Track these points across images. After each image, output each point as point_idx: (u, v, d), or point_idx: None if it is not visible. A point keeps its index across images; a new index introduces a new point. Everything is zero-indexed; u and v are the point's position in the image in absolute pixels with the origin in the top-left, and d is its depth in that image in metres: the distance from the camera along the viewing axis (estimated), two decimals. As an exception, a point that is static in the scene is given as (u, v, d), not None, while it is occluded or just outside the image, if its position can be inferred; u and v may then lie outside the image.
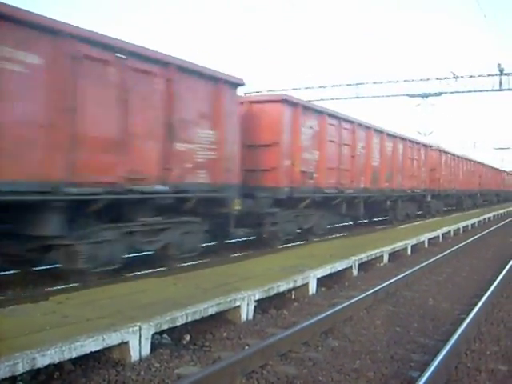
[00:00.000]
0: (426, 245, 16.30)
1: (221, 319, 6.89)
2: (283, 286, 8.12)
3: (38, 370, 4.74)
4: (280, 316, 7.49)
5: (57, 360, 4.71)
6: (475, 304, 7.77)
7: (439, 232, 18.30)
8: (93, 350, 5.02)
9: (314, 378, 5.22)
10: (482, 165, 43.70)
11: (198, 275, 8.73)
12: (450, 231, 19.81)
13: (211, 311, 6.59)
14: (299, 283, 8.58)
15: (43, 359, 4.58)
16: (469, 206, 36.65)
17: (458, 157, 34.04)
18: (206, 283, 7.93)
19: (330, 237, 15.94)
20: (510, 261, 12.24)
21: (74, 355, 4.85)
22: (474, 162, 40.33)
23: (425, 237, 16.45)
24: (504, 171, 59.68)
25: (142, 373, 5.13)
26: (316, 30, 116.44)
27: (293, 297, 8.58)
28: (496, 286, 9.22)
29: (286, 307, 7.97)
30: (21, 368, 4.40)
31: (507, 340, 6.65)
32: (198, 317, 6.36)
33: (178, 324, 6.09)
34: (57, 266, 8.90)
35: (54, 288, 8.08)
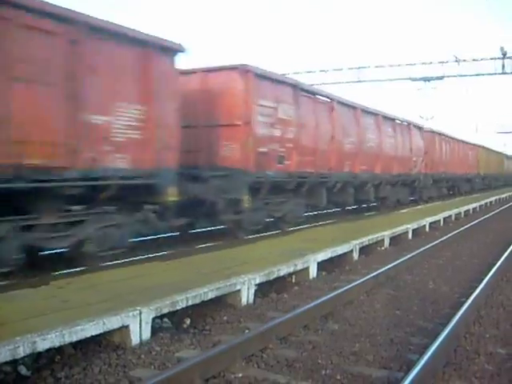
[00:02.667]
0: (427, 229, 16.31)
1: (221, 303, 6.92)
2: (283, 270, 8.13)
3: (39, 353, 4.78)
4: (280, 300, 7.52)
5: (57, 344, 4.74)
6: (475, 288, 7.79)
7: (440, 216, 18.30)
8: (93, 333, 5.05)
9: (314, 361, 5.24)
10: (482, 148, 41.94)
11: (198, 260, 8.76)
12: (451, 215, 19.81)
13: (211, 295, 6.61)
14: (300, 267, 8.60)
15: (44, 343, 4.60)
16: (466, 191, 35.51)
17: (454, 139, 32.50)
18: (207, 267, 7.96)
19: (330, 221, 15.95)
20: (510, 245, 12.25)
21: (74, 339, 4.88)
22: (473, 145, 38.90)
23: (426, 221, 16.46)
24: (505, 155, 57.65)
25: (143, 356, 5.17)
26: (318, 14, 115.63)
27: (293, 281, 8.61)
28: (496, 270, 9.23)
29: (286, 291, 8.00)
30: (22, 352, 4.42)
31: (506, 323, 6.67)
32: (198, 301, 6.38)
33: (179, 308, 6.11)
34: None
35: (57, 273, 7.87)
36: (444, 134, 30.21)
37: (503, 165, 54.50)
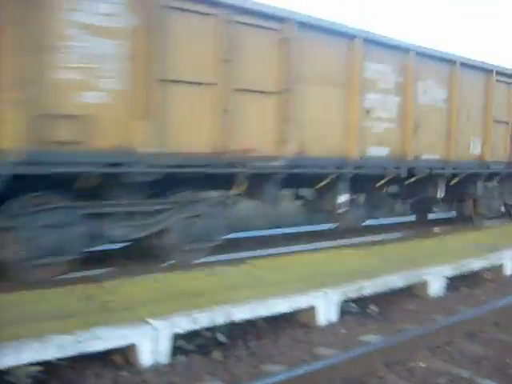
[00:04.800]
0: None
1: (408, 293, 6.91)
2: (474, 264, 7.84)
3: (234, 323, 5.24)
4: (471, 295, 7.29)
5: (250, 316, 5.17)
6: None
7: None
8: (282, 310, 5.41)
9: (502, 360, 5.07)
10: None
11: (387, 249, 8.80)
12: None
13: (398, 284, 6.65)
14: (493, 263, 8.23)
15: (239, 314, 5.07)
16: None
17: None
18: (396, 257, 7.98)
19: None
20: None
21: (265, 313, 5.28)
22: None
23: None
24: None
25: (328, 336, 5.41)
26: None
27: (486, 276, 8.27)
28: None
29: (478, 286, 7.71)
30: (218, 320, 4.93)
31: None
32: (385, 288, 6.48)
33: (365, 294, 6.26)
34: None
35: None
36: None
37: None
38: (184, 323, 4.73)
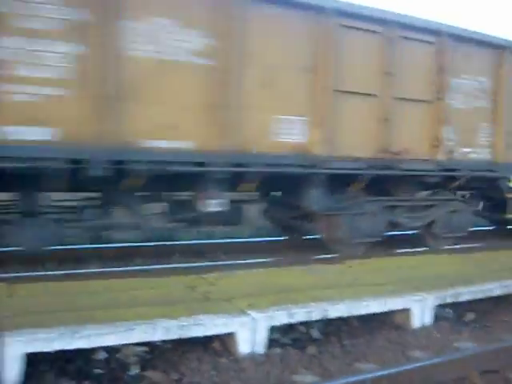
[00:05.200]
0: None
1: (506, 302, 6.76)
2: None
3: (329, 320, 5.40)
4: None
5: (345, 314, 5.31)
6: None
7: None
8: (376, 311, 5.51)
9: None
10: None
11: (483, 256, 8.60)
12: None
13: (497, 292, 6.52)
14: None
15: (334, 312, 5.22)
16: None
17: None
18: (494, 265, 7.81)
19: None
20: None
21: (360, 313, 5.40)
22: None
23: None
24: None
25: (422, 339, 5.44)
26: None
27: None
28: None
29: None
30: (315, 316, 5.11)
31: None
32: (482, 296, 6.38)
33: (461, 300, 6.20)
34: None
35: (320, 256, 8.60)
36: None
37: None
38: (281, 316, 4.94)
